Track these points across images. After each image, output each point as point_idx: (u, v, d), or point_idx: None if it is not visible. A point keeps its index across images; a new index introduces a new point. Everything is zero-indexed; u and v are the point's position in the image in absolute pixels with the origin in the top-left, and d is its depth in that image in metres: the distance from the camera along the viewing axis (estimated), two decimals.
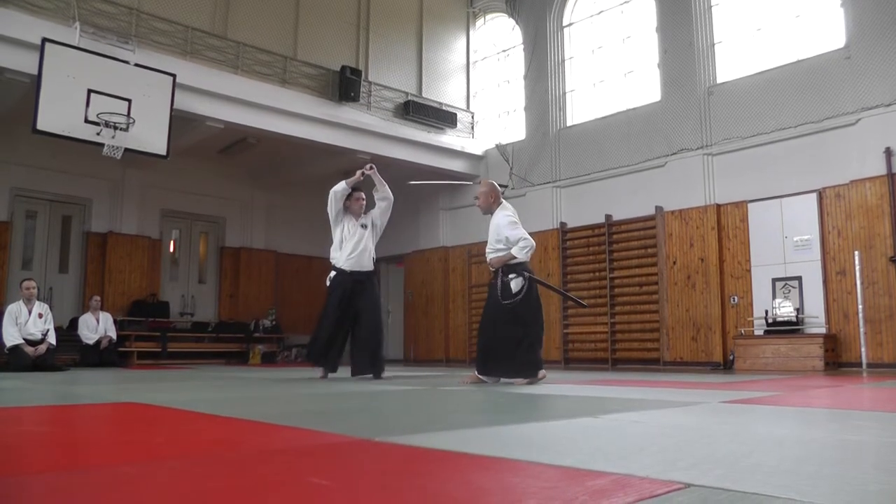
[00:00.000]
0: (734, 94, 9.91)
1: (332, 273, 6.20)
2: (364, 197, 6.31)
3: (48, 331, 8.67)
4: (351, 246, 6.13)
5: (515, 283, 5.16)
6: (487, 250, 5.41)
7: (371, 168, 6.15)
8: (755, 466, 1.59)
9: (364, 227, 6.21)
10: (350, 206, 6.22)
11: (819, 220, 8.93)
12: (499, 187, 5.66)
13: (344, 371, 6.17)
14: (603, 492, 1.27)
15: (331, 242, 6.30)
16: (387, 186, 6.31)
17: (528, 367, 5.17)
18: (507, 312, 5.16)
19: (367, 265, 6.20)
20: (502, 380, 5.22)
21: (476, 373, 5.34)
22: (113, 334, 10.41)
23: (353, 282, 6.08)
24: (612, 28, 11.87)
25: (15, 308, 8.57)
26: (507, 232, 5.25)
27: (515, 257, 5.20)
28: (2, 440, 2.24)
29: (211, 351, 12.40)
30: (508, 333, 5.15)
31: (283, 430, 2.42)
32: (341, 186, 6.15)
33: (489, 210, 5.47)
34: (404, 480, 1.49)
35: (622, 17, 11.75)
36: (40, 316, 8.68)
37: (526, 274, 5.21)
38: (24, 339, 8.39)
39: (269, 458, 1.77)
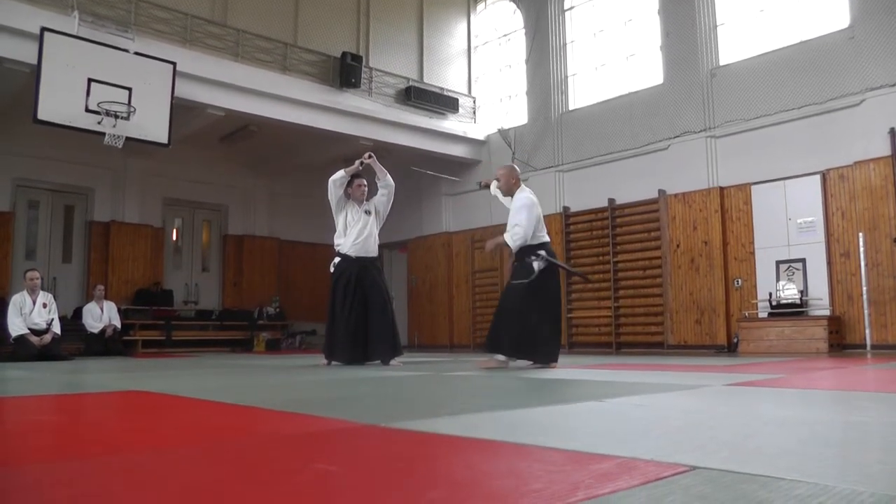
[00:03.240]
0: (737, 76, 9.84)
1: (337, 259, 6.21)
2: (366, 183, 6.31)
3: (53, 320, 8.71)
4: (356, 232, 6.13)
5: (537, 265, 5.14)
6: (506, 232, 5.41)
7: (370, 157, 6.14)
8: (760, 448, 1.60)
9: (368, 213, 6.22)
10: (352, 193, 6.22)
11: (823, 201, 8.90)
12: (518, 170, 5.68)
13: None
14: (608, 475, 1.27)
15: (334, 229, 6.31)
16: (388, 174, 6.30)
17: (533, 349, 5.13)
18: (521, 292, 5.12)
19: (373, 251, 6.22)
20: (496, 356, 5.20)
21: (494, 356, 5.25)
22: (117, 323, 10.45)
23: (359, 267, 6.10)
24: (613, 11, 11.77)
25: (19, 298, 8.61)
26: (513, 212, 5.25)
27: (507, 244, 5.22)
28: (8, 429, 2.25)
29: (215, 339, 12.45)
30: (518, 314, 5.10)
31: (290, 417, 2.43)
32: (339, 175, 6.15)
33: (510, 192, 5.50)
34: (411, 465, 1.49)
35: None
36: (44, 306, 8.72)
37: (543, 253, 5.18)
38: (29, 328, 8.43)
39: (275, 445, 1.78)
